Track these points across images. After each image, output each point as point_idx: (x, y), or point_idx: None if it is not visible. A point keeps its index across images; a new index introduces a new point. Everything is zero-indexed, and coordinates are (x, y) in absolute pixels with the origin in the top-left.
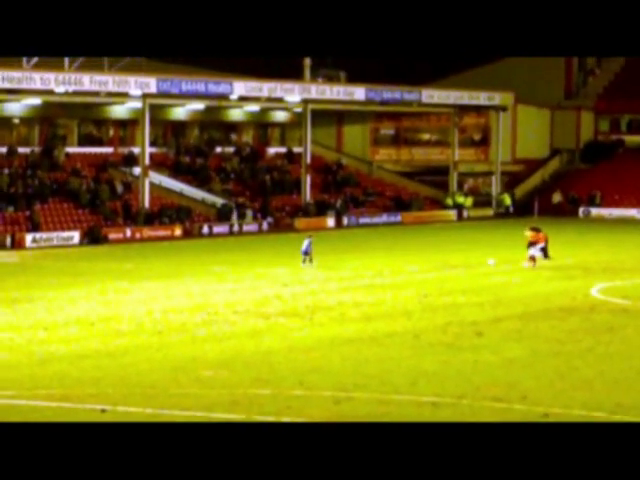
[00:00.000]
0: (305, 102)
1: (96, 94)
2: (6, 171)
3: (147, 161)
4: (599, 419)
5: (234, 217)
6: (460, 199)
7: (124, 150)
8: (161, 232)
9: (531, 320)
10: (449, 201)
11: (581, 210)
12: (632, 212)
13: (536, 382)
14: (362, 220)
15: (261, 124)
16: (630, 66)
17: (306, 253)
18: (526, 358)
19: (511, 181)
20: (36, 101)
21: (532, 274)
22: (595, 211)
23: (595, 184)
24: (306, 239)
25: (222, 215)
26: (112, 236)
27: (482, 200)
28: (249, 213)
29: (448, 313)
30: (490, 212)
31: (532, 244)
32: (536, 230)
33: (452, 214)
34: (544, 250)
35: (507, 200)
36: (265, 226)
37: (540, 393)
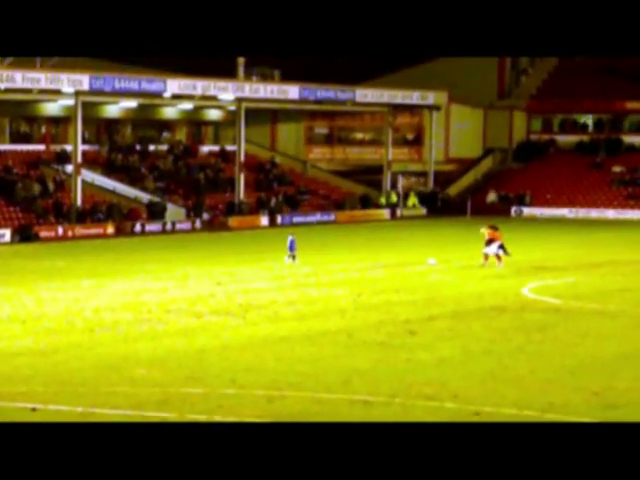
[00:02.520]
0: (239, 100)
1: (28, 91)
2: None
3: (79, 159)
4: (530, 418)
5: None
6: (394, 198)
7: (56, 148)
8: (93, 230)
9: (463, 319)
10: (382, 200)
11: (513, 209)
12: (563, 211)
13: (468, 381)
14: (296, 219)
15: (195, 122)
16: (563, 66)
17: (292, 249)
18: (458, 357)
19: (444, 180)
20: None
21: (464, 273)
22: (527, 210)
23: (527, 184)
24: (289, 236)
25: (155, 213)
26: (44, 234)
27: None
28: (181, 211)
29: (381, 312)
30: (423, 211)
31: (490, 242)
32: (494, 228)
33: (385, 213)
34: (503, 247)
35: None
36: (198, 224)
37: (471, 392)
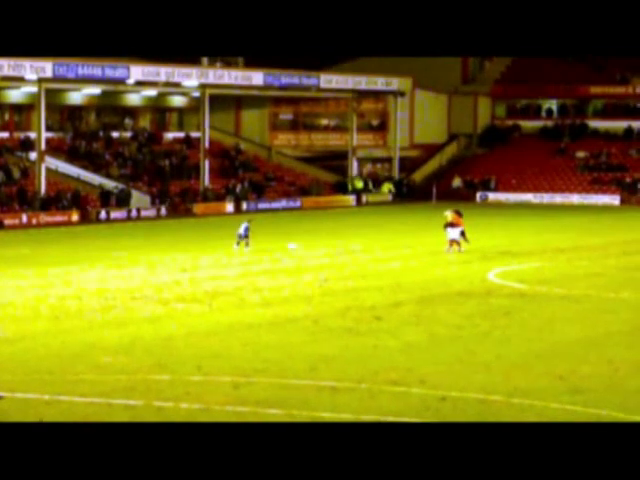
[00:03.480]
0: (203, 87)
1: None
2: None
3: (43, 146)
4: (496, 402)
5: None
6: (359, 184)
7: (20, 135)
8: (58, 217)
9: (429, 304)
10: (350, 186)
11: (478, 195)
12: (528, 196)
13: (434, 366)
14: (261, 205)
15: (159, 109)
16: None
17: (242, 237)
18: (424, 342)
19: (409, 166)
20: None
21: (430, 259)
22: (492, 196)
23: (492, 169)
24: (244, 223)
25: (120, 200)
26: (8, 222)
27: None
28: (144, 197)
29: (348, 298)
30: (388, 197)
31: (451, 225)
32: (458, 213)
33: (351, 199)
34: (463, 234)
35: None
36: (163, 211)
37: (438, 377)
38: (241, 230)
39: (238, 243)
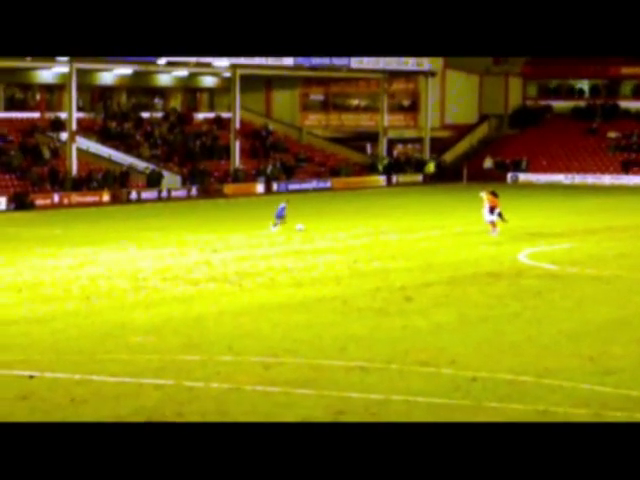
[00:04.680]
0: (234, 67)
1: (22, 58)
2: None
3: (74, 126)
4: (526, 383)
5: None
6: (382, 162)
7: (51, 115)
8: (89, 198)
9: (459, 285)
10: (380, 166)
11: (509, 176)
12: (559, 177)
13: (464, 347)
14: (292, 186)
15: (189, 89)
16: None
17: (280, 217)
18: (454, 323)
19: (440, 147)
20: None
21: (460, 239)
22: (523, 176)
23: (523, 149)
24: (282, 203)
25: (151, 181)
26: (39, 202)
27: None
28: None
29: (377, 278)
30: (419, 178)
31: (491, 209)
32: (494, 195)
33: (381, 180)
34: (500, 214)
35: (431, 167)
36: (194, 192)
37: (468, 358)
38: (278, 211)
39: (276, 224)
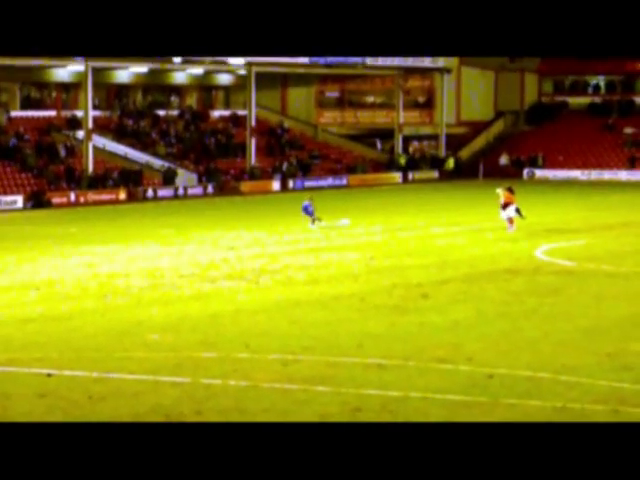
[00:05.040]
0: (249, 65)
1: (38, 57)
2: None
3: (90, 124)
4: (543, 380)
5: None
6: (402, 161)
7: (67, 113)
8: (105, 196)
9: (476, 282)
10: (402, 160)
11: (525, 172)
12: (576, 173)
13: (481, 343)
14: (308, 183)
15: (205, 87)
16: None
17: (310, 214)
18: (471, 319)
19: (455, 143)
20: None
21: (477, 236)
22: (539, 173)
23: (539, 146)
24: (306, 200)
25: (167, 179)
26: (56, 200)
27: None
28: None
29: (394, 275)
30: (435, 175)
31: (506, 205)
32: (510, 191)
33: (397, 176)
34: (518, 210)
35: (451, 163)
36: (210, 189)
37: (485, 354)
38: (307, 209)
39: (313, 221)
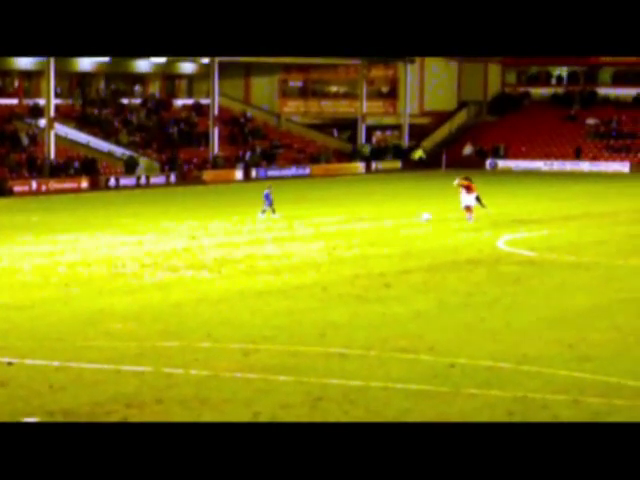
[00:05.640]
0: None
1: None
2: None
3: (52, 113)
4: (505, 370)
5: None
6: (366, 150)
7: (29, 102)
8: (67, 184)
9: (438, 272)
10: (365, 150)
11: (488, 162)
12: (538, 164)
13: (443, 333)
14: (271, 172)
15: (168, 76)
16: None
17: (269, 203)
18: (433, 310)
19: (419, 133)
20: None
21: (439, 226)
22: (502, 163)
23: (502, 136)
24: (265, 190)
25: (128, 167)
26: (17, 188)
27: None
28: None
29: (356, 265)
30: (398, 165)
31: (467, 189)
32: (468, 179)
33: (360, 167)
34: (479, 199)
35: (419, 153)
36: (173, 178)
37: (447, 344)
38: (268, 198)
39: (264, 211)
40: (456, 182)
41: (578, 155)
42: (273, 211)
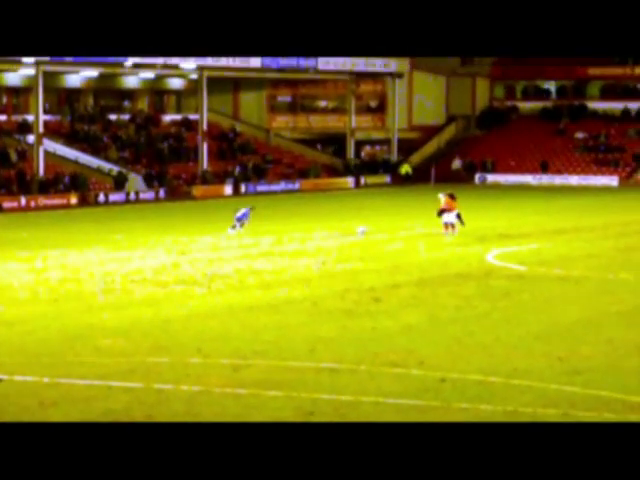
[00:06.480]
0: (201, 69)
1: None
2: None
3: (41, 129)
4: (495, 384)
5: (139, 185)
6: (352, 162)
7: (18, 118)
8: (56, 200)
9: (428, 286)
10: (352, 162)
11: (477, 176)
12: (527, 178)
13: (433, 348)
14: (260, 187)
15: (156, 91)
16: None
17: (240, 220)
18: (423, 324)
19: (407, 148)
20: None
21: (429, 240)
22: (491, 177)
23: (491, 150)
24: (245, 208)
25: (118, 183)
26: (6, 205)
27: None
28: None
29: (346, 280)
30: (387, 179)
31: (444, 211)
32: (452, 197)
33: (349, 182)
34: (459, 216)
35: (405, 168)
36: (162, 194)
37: (437, 359)
38: (239, 214)
39: (234, 227)
40: (440, 196)
41: (545, 169)
42: (234, 227)
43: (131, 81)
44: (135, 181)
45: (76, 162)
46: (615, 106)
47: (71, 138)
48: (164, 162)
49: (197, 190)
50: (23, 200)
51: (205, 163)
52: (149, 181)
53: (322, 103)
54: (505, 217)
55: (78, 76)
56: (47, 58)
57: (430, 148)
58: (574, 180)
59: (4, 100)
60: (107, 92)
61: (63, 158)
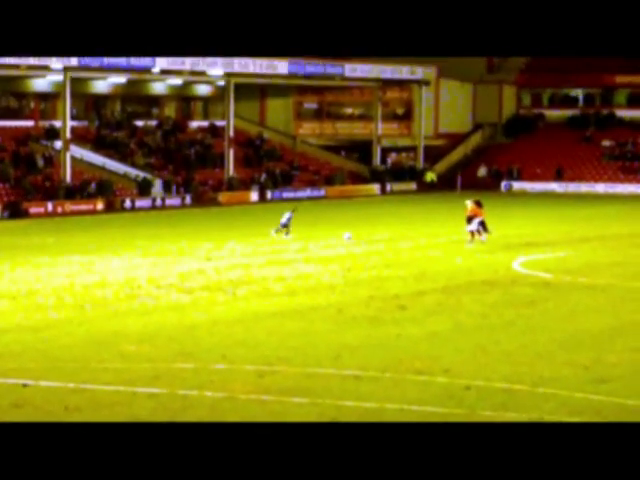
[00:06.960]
0: (228, 75)
1: (17, 67)
2: None
3: (68, 135)
4: (520, 392)
5: (156, 189)
6: (378, 169)
7: (45, 124)
8: (83, 206)
9: (454, 294)
10: (378, 169)
11: (503, 184)
12: (553, 186)
13: (458, 355)
14: (286, 194)
15: (184, 98)
16: None
17: (284, 225)
18: (448, 331)
19: (433, 155)
20: None
21: (454, 248)
22: (517, 185)
23: (516, 158)
24: (287, 212)
25: (144, 189)
26: (33, 210)
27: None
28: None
29: (371, 287)
30: (413, 186)
31: (470, 218)
32: (478, 204)
33: (375, 188)
34: (483, 224)
35: (430, 175)
36: (188, 200)
37: (462, 366)
38: (284, 219)
39: (278, 231)
40: (467, 202)
41: (560, 176)
42: (287, 233)
43: (158, 87)
44: (155, 185)
45: (103, 168)
46: None
47: (98, 144)
48: (191, 168)
49: (223, 196)
50: (50, 206)
51: (231, 169)
52: (169, 186)
53: (348, 110)
54: (531, 225)
55: (105, 82)
56: (75, 64)
57: (456, 155)
58: (600, 188)
59: (32, 106)
60: (134, 98)
61: (90, 164)
